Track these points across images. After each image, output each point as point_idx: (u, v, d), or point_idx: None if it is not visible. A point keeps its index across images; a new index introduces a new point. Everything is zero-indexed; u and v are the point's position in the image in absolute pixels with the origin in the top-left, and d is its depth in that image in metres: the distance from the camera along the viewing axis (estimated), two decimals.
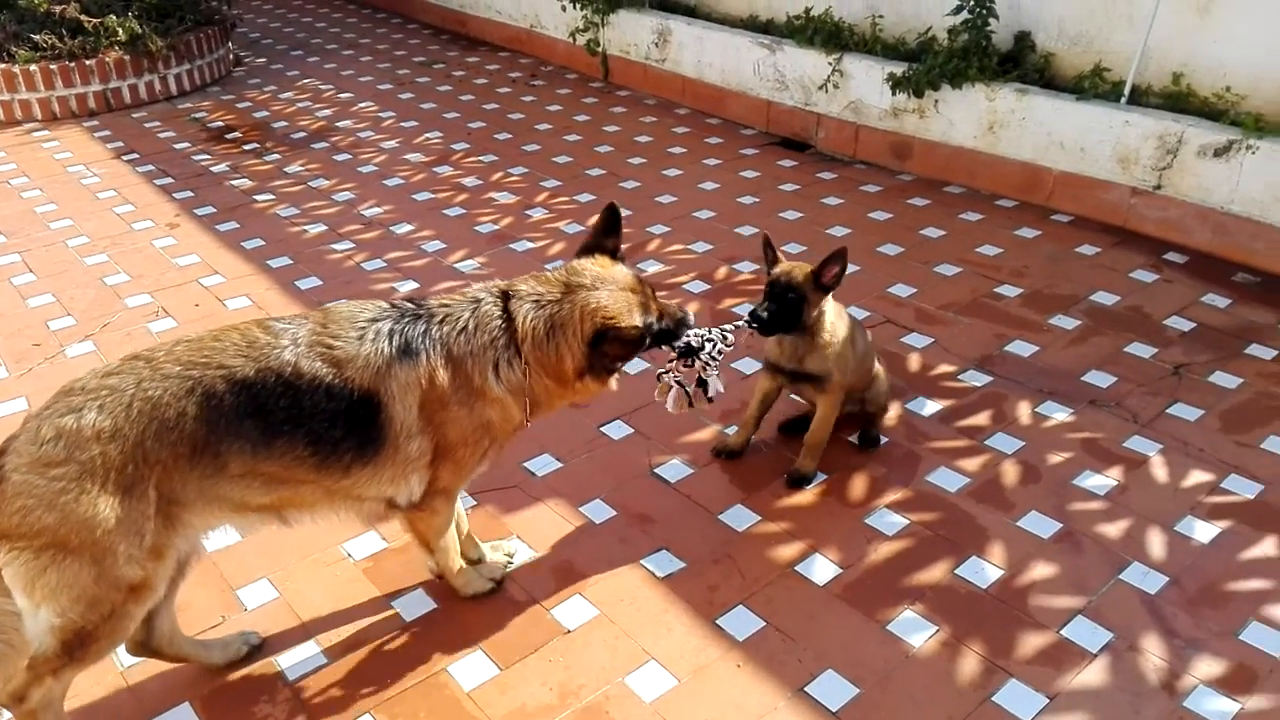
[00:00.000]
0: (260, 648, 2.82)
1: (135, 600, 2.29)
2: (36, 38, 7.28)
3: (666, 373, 2.87)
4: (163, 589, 2.38)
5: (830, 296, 3.30)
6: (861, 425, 3.68)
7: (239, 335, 2.41)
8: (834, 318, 3.33)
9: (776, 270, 3.23)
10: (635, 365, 3.80)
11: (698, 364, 2.83)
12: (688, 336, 2.80)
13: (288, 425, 2.35)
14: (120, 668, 2.81)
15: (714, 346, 2.86)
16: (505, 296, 2.60)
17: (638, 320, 2.57)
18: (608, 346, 2.55)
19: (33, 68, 7.21)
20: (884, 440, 3.69)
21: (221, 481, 2.33)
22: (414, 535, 2.87)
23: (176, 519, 2.31)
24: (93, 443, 2.18)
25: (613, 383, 2.72)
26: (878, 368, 3.62)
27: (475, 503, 3.44)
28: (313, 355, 2.41)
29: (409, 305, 2.59)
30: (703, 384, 2.87)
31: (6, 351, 4.37)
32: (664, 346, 2.78)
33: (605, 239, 2.73)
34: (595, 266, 2.64)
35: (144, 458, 2.22)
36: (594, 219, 5.42)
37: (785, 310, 3.17)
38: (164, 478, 2.25)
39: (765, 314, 3.15)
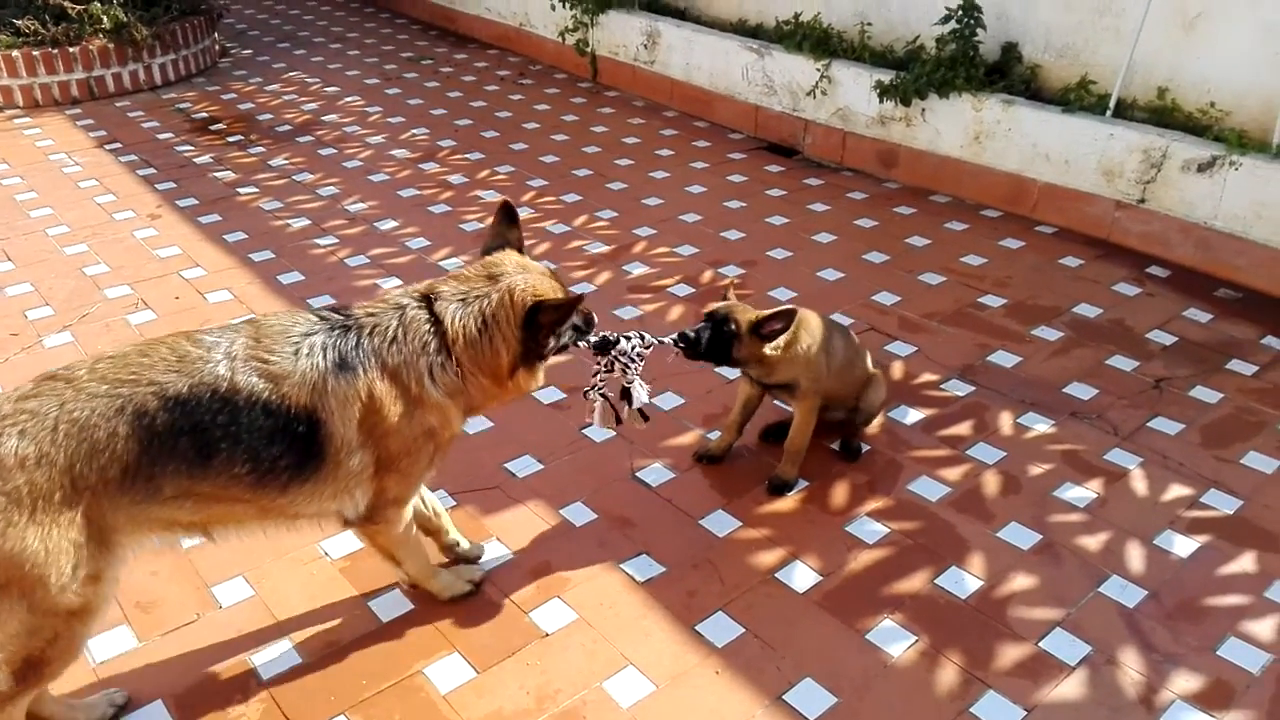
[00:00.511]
0: (125, 707, 2.63)
1: (79, 622, 2.22)
2: (19, 23, 7.19)
3: (591, 388, 2.88)
4: (106, 608, 2.29)
5: (806, 311, 3.33)
6: (844, 434, 3.67)
7: (167, 349, 2.31)
8: (802, 329, 3.30)
9: (721, 304, 3.24)
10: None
11: (617, 368, 2.83)
12: (604, 334, 2.82)
13: (225, 443, 2.26)
14: (92, 664, 2.77)
15: (632, 346, 2.85)
16: (428, 299, 2.55)
17: (562, 294, 2.59)
18: (542, 318, 2.51)
19: (15, 53, 7.12)
20: (865, 449, 3.69)
21: (153, 504, 2.25)
22: (375, 549, 2.81)
23: (108, 543, 2.21)
24: (16, 471, 2.07)
25: (540, 377, 2.68)
26: (874, 372, 3.61)
27: (455, 503, 3.41)
28: (248, 370, 2.32)
29: (337, 317, 2.52)
30: (628, 395, 2.86)
31: None
32: (580, 344, 2.78)
33: (508, 234, 2.73)
34: (510, 258, 2.64)
35: (73, 483, 2.12)
36: (579, 219, 5.48)
37: (716, 340, 3.14)
38: (93, 503, 2.15)
39: (694, 334, 3.11)
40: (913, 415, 3.89)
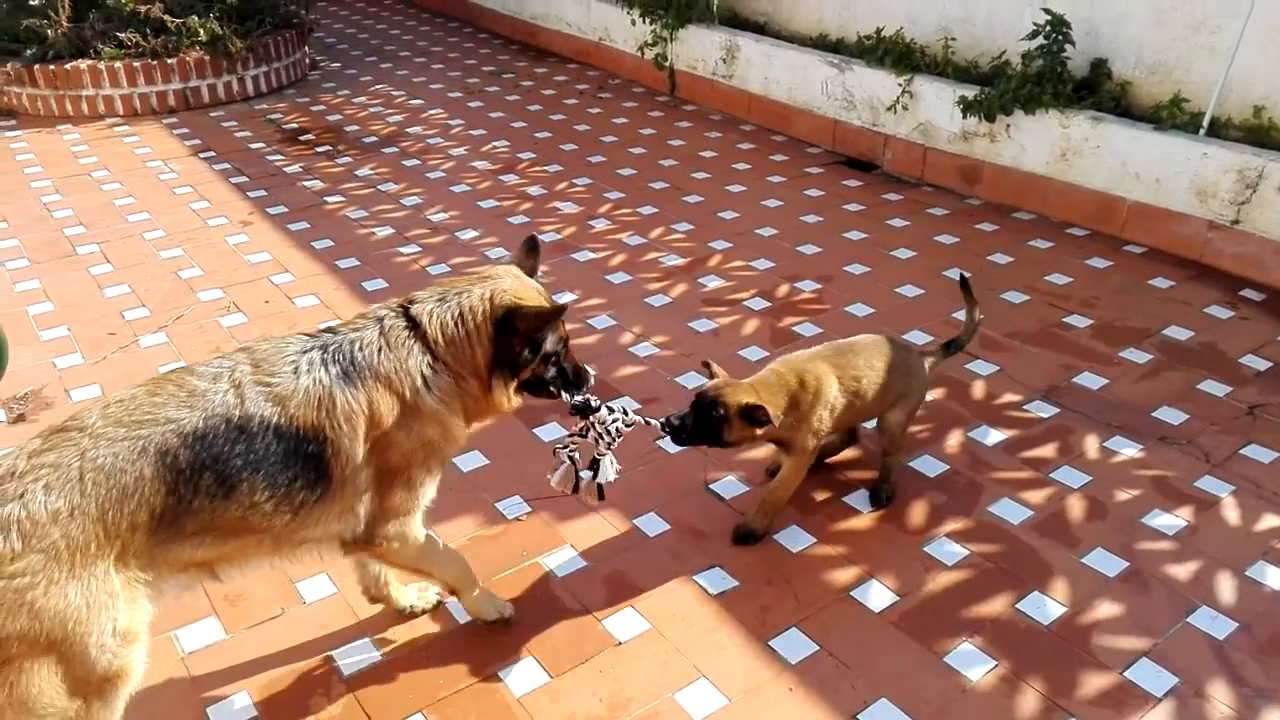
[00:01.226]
0: None
1: (114, 689, 2.15)
2: (122, 36, 7.51)
3: (562, 446, 2.80)
4: (141, 670, 2.22)
5: (819, 370, 3.20)
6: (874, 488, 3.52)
7: (174, 386, 2.28)
8: (802, 395, 3.16)
9: (709, 385, 3.07)
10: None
11: (591, 435, 2.74)
12: (588, 396, 2.73)
13: (246, 472, 2.23)
14: (181, 654, 2.86)
15: (613, 418, 2.73)
16: (405, 307, 2.52)
17: (542, 302, 2.51)
18: (518, 323, 2.46)
19: (117, 65, 7.44)
20: (943, 469, 3.63)
21: (175, 544, 2.20)
22: (401, 571, 2.79)
23: (136, 593, 2.16)
24: (50, 526, 2.01)
25: (514, 397, 2.60)
26: (909, 389, 3.40)
27: (531, 509, 3.45)
28: (256, 395, 2.29)
29: (326, 335, 2.48)
30: (595, 465, 2.76)
31: (83, 339, 4.49)
32: (561, 395, 2.69)
33: (524, 260, 2.72)
34: (511, 269, 2.63)
35: (105, 532, 2.07)
36: (656, 232, 5.51)
37: (702, 425, 2.99)
38: (123, 550, 2.11)
39: (678, 422, 2.98)
40: (994, 436, 3.82)
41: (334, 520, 2.44)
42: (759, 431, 3.06)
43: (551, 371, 2.66)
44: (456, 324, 2.47)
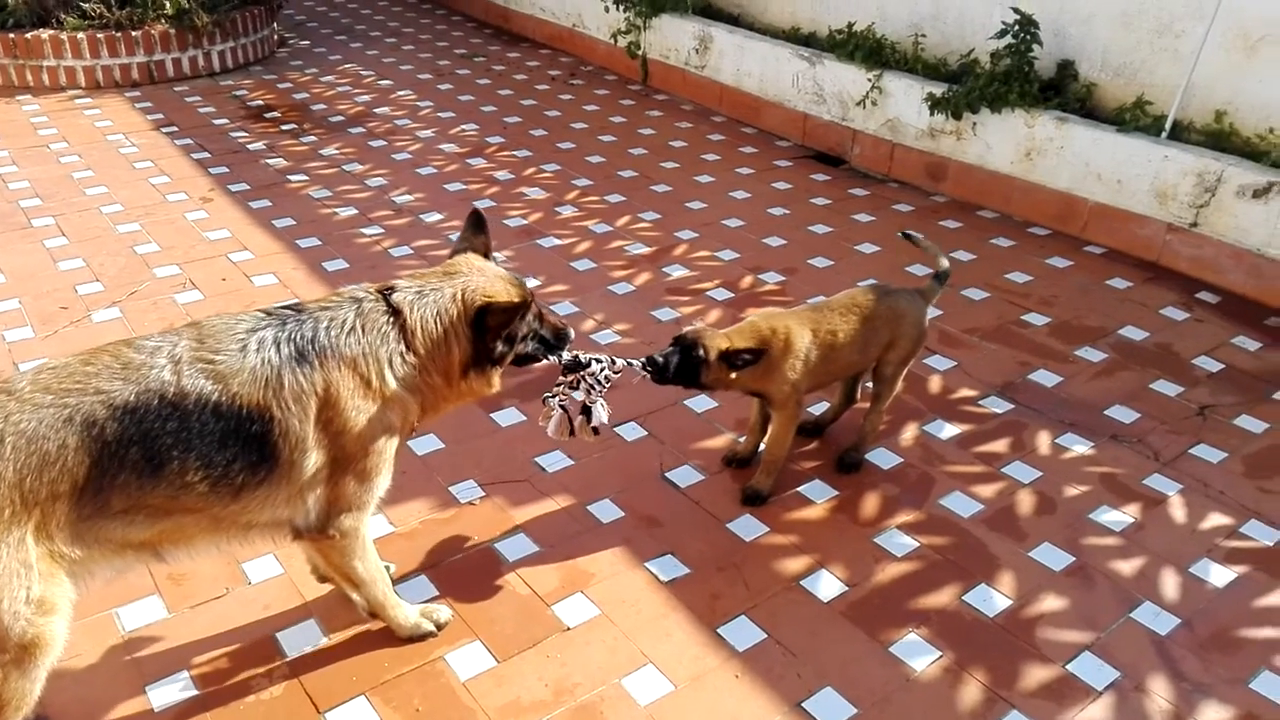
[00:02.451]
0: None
1: (30, 659, 2.12)
2: (86, 6, 7.37)
3: (552, 395, 2.88)
4: (61, 642, 2.17)
5: (793, 321, 3.29)
6: (844, 449, 3.63)
7: (110, 357, 2.22)
8: (775, 349, 3.23)
9: (690, 329, 3.18)
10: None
11: (583, 386, 2.83)
12: (574, 352, 2.79)
13: (177, 450, 2.17)
14: (122, 632, 2.82)
15: (601, 368, 2.84)
16: (385, 293, 2.49)
17: (515, 297, 2.52)
18: (490, 320, 2.46)
19: (80, 35, 7.30)
20: (897, 462, 3.65)
21: (102, 520, 2.15)
22: (330, 568, 2.68)
23: (58, 566, 2.13)
24: None
25: (496, 381, 2.62)
26: (903, 335, 3.46)
27: (485, 493, 3.43)
28: (195, 372, 2.23)
29: (287, 312, 2.43)
30: (587, 411, 2.87)
31: (34, 313, 4.41)
32: (548, 358, 2.74)
33: (475, 239, 2.70)
34: (471, 260, 2.62)
35: (22, 499, 2.03)
36: (622, 220, 5.50)
37: (684, 364, 3.09)
38: (42, 521, 2.07)
39: (661, 360, 3.07)
40: (949, 430, 3.85)
41: (282, 505, 2.39)
42: (734, 376, 3.15)
43: (531, 346, 2.67)
44: (435, 322, 2.45)
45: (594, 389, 2.86)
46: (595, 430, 2.91)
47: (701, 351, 3.10)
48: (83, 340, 4.17)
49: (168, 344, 2.28)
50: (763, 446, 3.49)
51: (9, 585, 2.03)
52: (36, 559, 2.07)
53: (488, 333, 2.49)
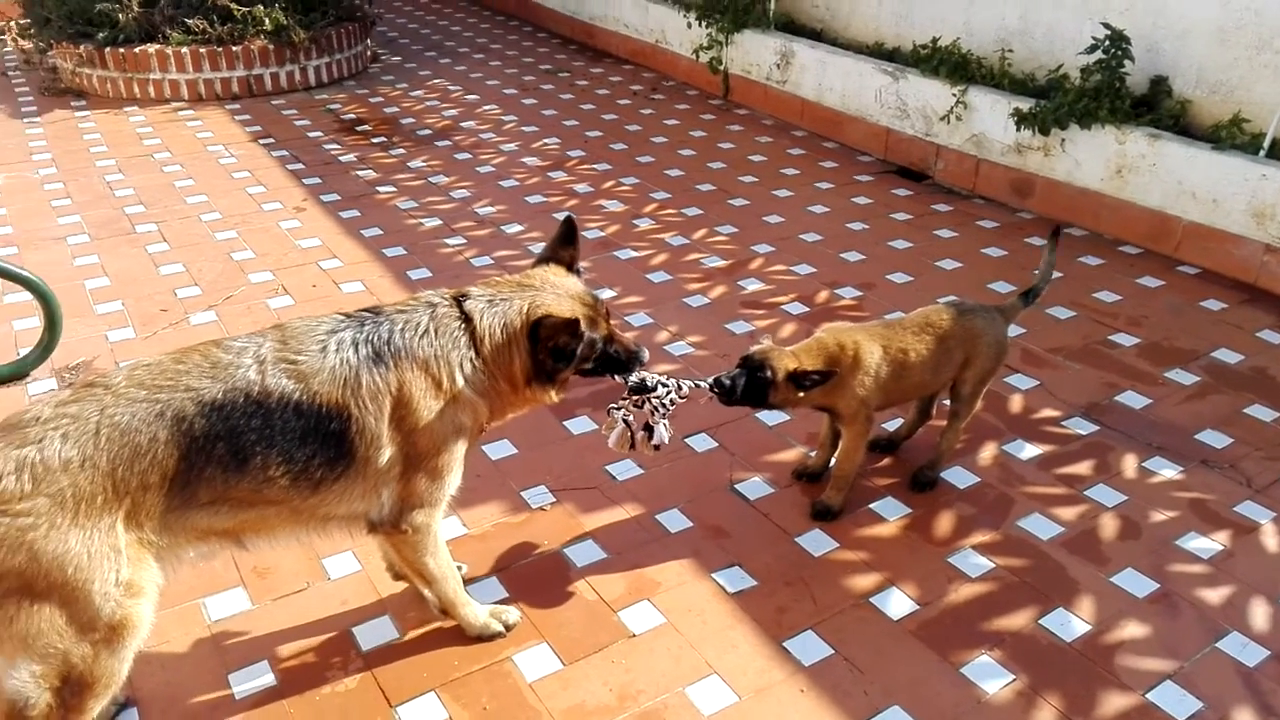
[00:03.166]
0: (125, 705, 2.65)
1: (119, 639, 2.20)
2: (189, 22, 7.71)
3: (618, 409, 2.88)
4: (147, 624, 2.26)
5: (864, 336, 3.27)
6: (919, 467, 3.58)
7: (200, 356, 2.33)
8: (845, 367, 3.20)
9: (757, 348, 3.15)
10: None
11: (647, 406, 2.83)
12: (643, 375, 2.80)
13: (260, 446, 2.27)
14: (208, 621, 2.93)
15: (667, 392, 2.84)
16: (459, 299, 2.56)
17: (575, 314, 2.52)
18: (543, 334, 2.48)
19: (184, 50, 7.64)
20: (974, 481, 3.59)
21: (189, 510, 2.25)
22: (404, 563, 2.75)
23: (146, 552, 2.22)
24: (60, 473, 2.07)
25: (555, 394, 2.64)
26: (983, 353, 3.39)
27: (556, 499, 3.48)
28: (278, 372, 2.33)
29: (366, 314, 2.52)
30: (649, 429, 2.86)
31: (136, 314, 4.62)
32: (616, 378, 2.76)
33: (561, 250, 2.73)
34: (548, 274, 2.65)
35: (114, 487, 2.12)
36: (699, 233, 5.52)
37: (751, 386, 3.07)
38: (133, 509, 2.16)
39: (728, 382, 3.05)
40: (1029, 450, 3.77)
41: (357, 499, 2.48)
42: (801, 395, 3.13)
43: (592, 365, 2.70)
44: (501, 331, 2.52)
45: (657, 410, 2.86)
46: (656, 447, 2.92)
47: (769, 373, 3.08)
48: (181, 341, 4.36)
49: (253, 345, 2.39)
50: (833, 462, 3.47)
51: (100, 568, 2.12)
52: (126, 545, 2.17)
53: (540, 346, 2.53)
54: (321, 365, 2.38)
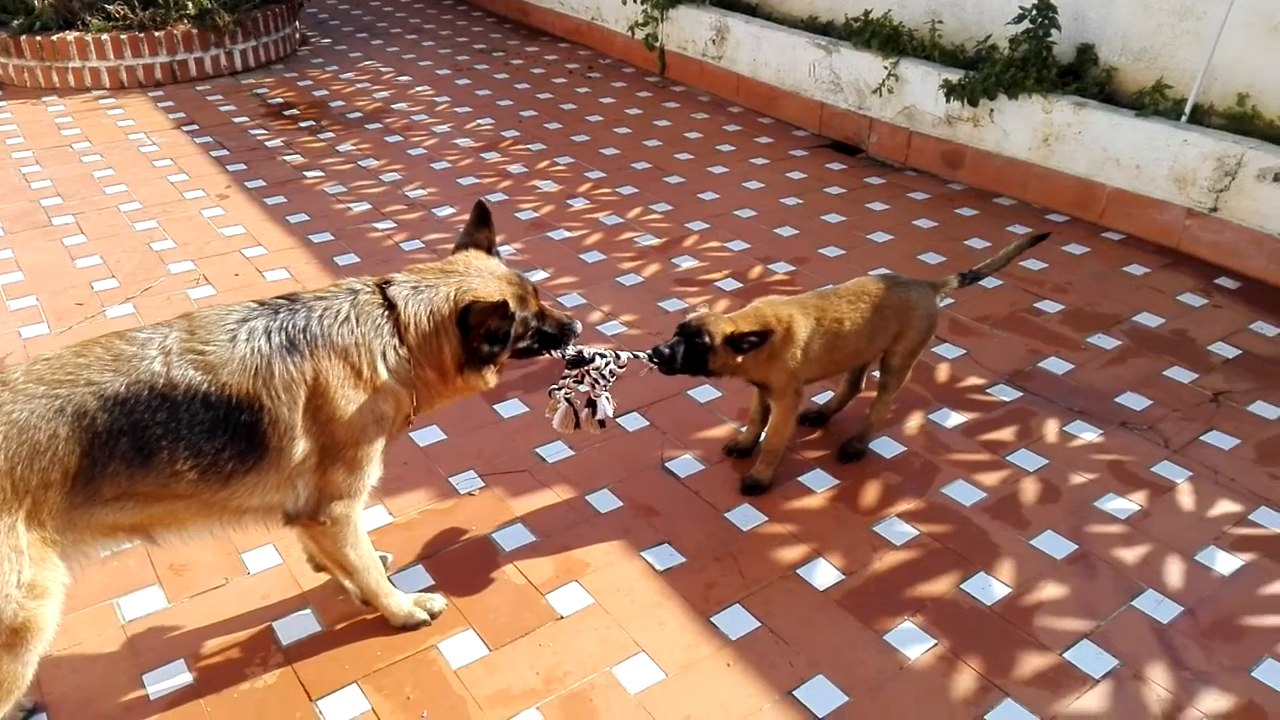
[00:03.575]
0: (34, 710, 2.58)
1: (22, 643, 2.14)
2: (110, 8, 7.49)
3: (559, 389, 2.87)
4: (52, 626, 2.20)
5: (795, 309, 3.27)
6: (848, 438, 3.61)
7: (101, 349, 2.25)
8: (779, 337, 3.21)
9: (694, 316, 3.15)
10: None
11: (587, 381, 2.82)
12: (579, 348, 2.78)
13: (166, 440, 2.21)
14: (122, 621, 2.87)
15: (606, 363, 2.83)
16: (382, 286, 2.51)
17: (499, 296, 2.48)
18: (473, 319, 2.44)
19: (104, 37, 7.41)
20: (900, 450, 3.62)
21: (94, 507, 2.20)
22: (323, 556, 2.70)
23: (49, 551, 2.16)
24: None
25: (491, 378, 2.62)
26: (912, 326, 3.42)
27: (484, 484, 3.45)
28: (184, 363, 2.26)
29: (281, 302, 2.45)
30: (592, 405, 2.85)
31: (50, 309, 4.49)
32: (551, 353, 2.74)
33: (478, 234, 2.70)
34: (470, 258, 2.61)
35: (13, 486, 2.07)
36: (634, 211, 5.49)
37: (690, 354, 3.08)
38: (34, 508, 2.10)
39: (668, 350, 3.05)
40: (954, 419, 3.81)
41: (271, 491, 2.43)
42: (739, 361, 3.13)
43: (527, 343, 2.67)
44: (428, 319, 2.47)
45: (598, 383, 2.85)
46: (601, 423, 2.90)
47: (707, 338, 3.08)
48: (95, 335, 4.24)
49: (159, 335, 2.32)
50: (763, 437, 3.47)
51: (0, 570, 2.07)
52: (28, 544, 2.11)
53: (471, 332, 2.49)
54: (231, 355, 2.31)
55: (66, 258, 4.96)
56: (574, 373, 2.85)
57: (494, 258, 2.69)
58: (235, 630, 2.84)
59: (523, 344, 2.66)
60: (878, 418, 3.61)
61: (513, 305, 2.51)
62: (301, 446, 2.39)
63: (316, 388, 2.37)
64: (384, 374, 2.45)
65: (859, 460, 3.57)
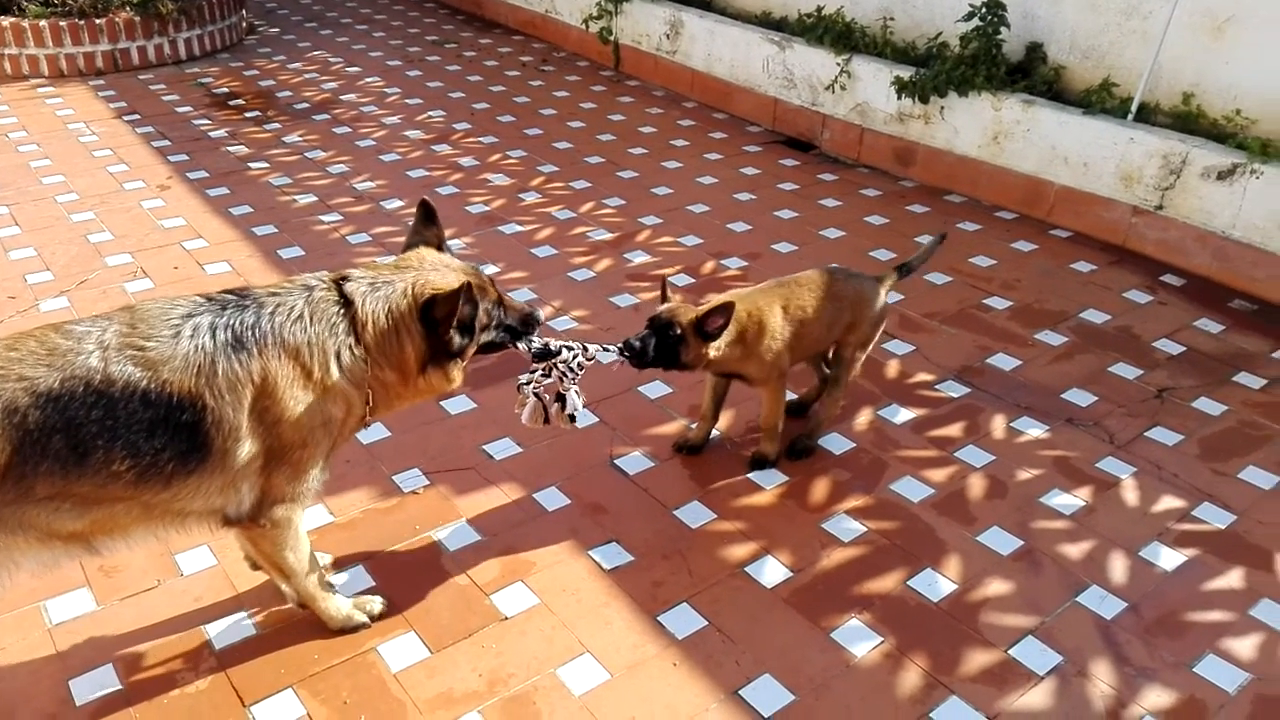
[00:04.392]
0: None
1: None
2: None
3: (526, 383, 2.82)
4: None
5: (762, 301, 3.28)
6: (796, 435, 3.60)
7: (35, 343, 2.15)
8: (752, 325, 3.23)
9: (662, 307, 3.13)
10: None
11: (555, 374, 2.78)
12: (545, 341, 2.74)
13: (102, 439, 2.12)
14: (49, 624, 2.77)
15: (573, 355, 2.79)
16: (339, 282, 2.43)
17: (458, 284, 2.41)
18: (439, 311, 2.39)
19: (42, 23, 7.20)
20: (850, 447, 3.61)
21: (26, 506, 2.10)
22: (261, 558, 2.63)
23: None
24: None
25: (457, 376, 2.56)
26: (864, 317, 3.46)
27: (429, 482, 3.38)
28: (123, 359, 2.16)
29: (230, 297, 2.36)
30: (562, 399, 2.82)
31: None
32: (516, 345, 2.70)
33: (426, 232, 2.64)
34: (423, 254, 2.56)
35: None
36: (586, 206, 5.43)
37: (663, 346, 3.05)
38: None
39: (639, 343, 3.03)
40: (903, 415, 3.81)
41: (214, 494, 2.34)
42: (713, 354, 3.12)
43: (494, 335, 2.61)
44: (386, 317, 2.40)
45: (566, 376, 2.80)
46: (572, 418, 2.85)
47: (677, 329, 3.06)
48: (30, 329, 4.10)
49: (97, 329, 2.22)
50: (759, 419, 3.49)
51: None
52: None
53: (439, 324, 2.42)
54: (174, 352, 2.21)
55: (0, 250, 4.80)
56: (541, 366, 2.80)
57: (445, 254, 2.63)
58: (167, 634, 2.75)
59: (487, 336, 2.60)
60: (827, 414, 3.61)
61: (474, 293, 2.46)
62: (246, 448, 2.31)
63: (264, 388, 2.29)
64: (335, 375, 2.37)
65: (809, 456, 3.55)
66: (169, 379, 2.19)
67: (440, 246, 2.64)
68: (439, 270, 2.50)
